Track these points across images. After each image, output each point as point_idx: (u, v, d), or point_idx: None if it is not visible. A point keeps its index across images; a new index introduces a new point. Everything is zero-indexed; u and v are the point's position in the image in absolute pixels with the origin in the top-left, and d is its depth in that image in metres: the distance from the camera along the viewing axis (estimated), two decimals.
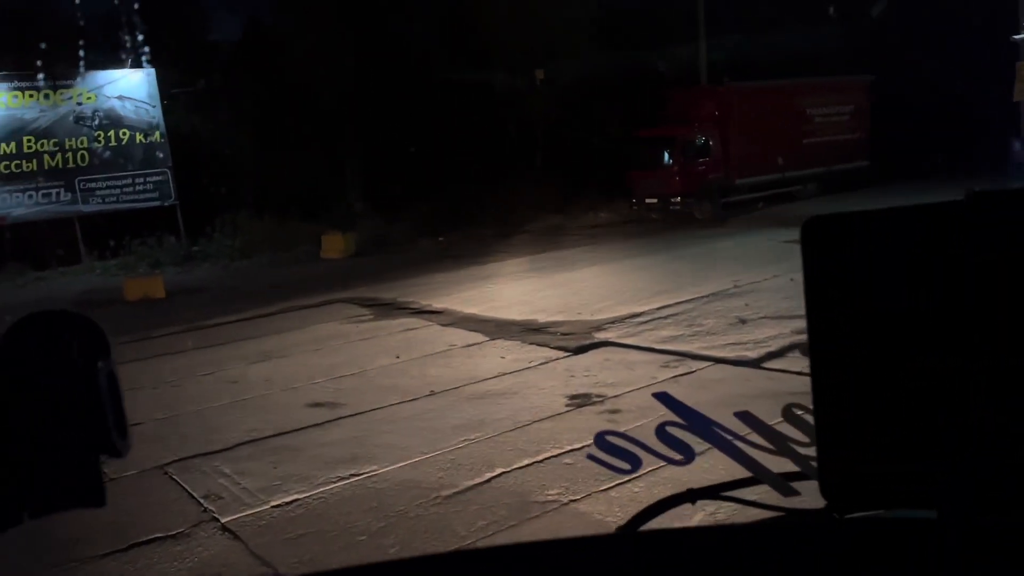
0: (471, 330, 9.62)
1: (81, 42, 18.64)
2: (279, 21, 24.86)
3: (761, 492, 0.99)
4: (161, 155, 19.86)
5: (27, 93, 18.29)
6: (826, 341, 0.82)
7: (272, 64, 22.03)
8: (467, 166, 22.38)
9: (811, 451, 0.84)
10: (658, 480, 3.97)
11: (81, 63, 18.77)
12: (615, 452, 1.03)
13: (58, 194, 18.71)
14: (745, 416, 0.97)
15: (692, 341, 7.93)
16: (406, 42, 22.69)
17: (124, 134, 19.40)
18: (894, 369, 0.79)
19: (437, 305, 11.48)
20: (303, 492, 4.97)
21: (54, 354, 0.76)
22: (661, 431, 0.99)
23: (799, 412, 0.93)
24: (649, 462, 0.97)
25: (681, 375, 6.83)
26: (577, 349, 8.09)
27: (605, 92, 23.69)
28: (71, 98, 18.78)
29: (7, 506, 0.74)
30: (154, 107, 19.67)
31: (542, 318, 9.89)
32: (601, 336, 8.58)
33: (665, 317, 9.19)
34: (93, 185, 19.09)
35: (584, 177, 22.01)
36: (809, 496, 0.87)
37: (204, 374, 8.69)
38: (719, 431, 0.98)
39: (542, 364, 7.65)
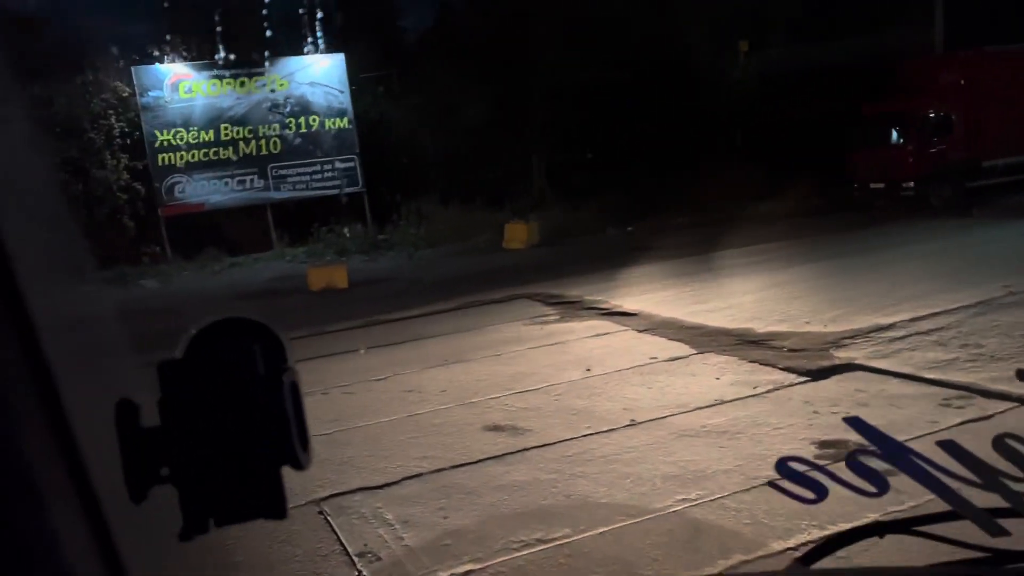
0: (673, 339, 8.31)
1: (267, 29, 19.05)
2: (471, 6, 24.43)
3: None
4: (350, 142, 19.97)
5: (224, 81, 18.95)
6: None
7: (462, 50, 21.60)
8: (659, 149, 20.86)
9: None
10: None
11: (267, 53, 19.24)
12: None
13: (251, 181, 19.29)
14: None
15: (974, 369, 6.16)
16: (596, 17, 21.46)
17: (314, 120, 19.69)
18: None
19: (630, 306, 10.24)
20: (477, 562, 3.95)
21: (239, 362, 0.79)
22: None
23: (1012, 443, 0.92)
24: None
25: (972, 420, 5.16)
26: (815, 373, 6.56)
27: (819, 65, 21.24)
28: (264, 85, 19.27)
29: (195, 514, 0.77)
30: (343, 93, 19.81)
31: (759, 327, 8.39)
32: (843, 355, 6.98)
33: (925, 332, 7.40)
34: (284, 172, 19.52)
35: (794, 159, 19.79)
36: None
37: (378, 379, 8.00)
38: None
39: (771, 391, 6.21)
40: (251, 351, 0.80)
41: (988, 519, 0.90)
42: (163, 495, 0.75)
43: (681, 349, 7.89)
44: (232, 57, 18.70)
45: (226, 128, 18.99)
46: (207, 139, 18.83)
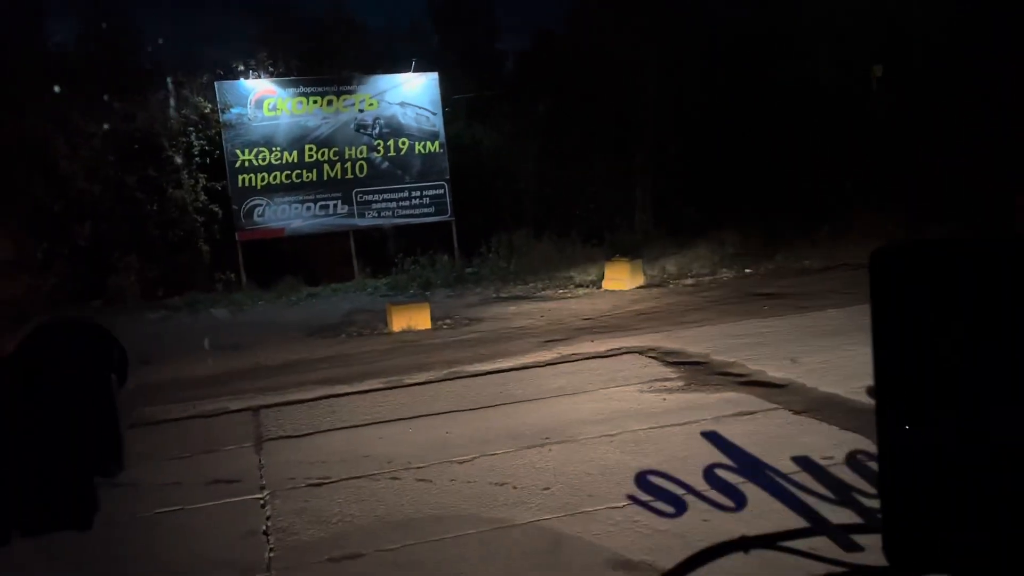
0: (846, 427, 6.41)
1: (358, 45, 18.07)
2: (574, 30, 23.03)
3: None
4: (440, 167, 18.74)
5: (311, 99, 18.03)
6: (896, 387, 0.71)
7: (562, 74, 20.20)
8: (780, 182, 18.83)
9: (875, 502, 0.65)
10: None
11: (355, 70, 18.22)
12: None
13: (335, 206, 18.26)
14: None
15: None
16: (712, 43, 19.71)
17: (403, 143, 18.57)
18: (976, 425, 0.65)
19: (774, 373, 8.36)
20: None
21: (56, 365, 1.10)
22: None
23: (864, 459, 0.99)
24: None
25: None
26: None
27: (968, 90, 18.87)
28: (353, 104, 18.28)
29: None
30: (435, 115, 18.63)
31: None
32: None
33: None
34: (370, 198, 18.43)
35: (940, 198, 17.46)
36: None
37: (461, 459, 6.40)
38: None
39: None
40: (80, 355, 0.93)
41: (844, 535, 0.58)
42: None
43: (860, 442, 5.99)
44: (320, 74, 17.79)
45: (310, 149, 18.05)
46: (290, 160, 17.91)
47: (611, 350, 10.20)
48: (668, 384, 8.33)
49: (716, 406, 7.36)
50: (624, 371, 9.05)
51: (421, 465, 6.34)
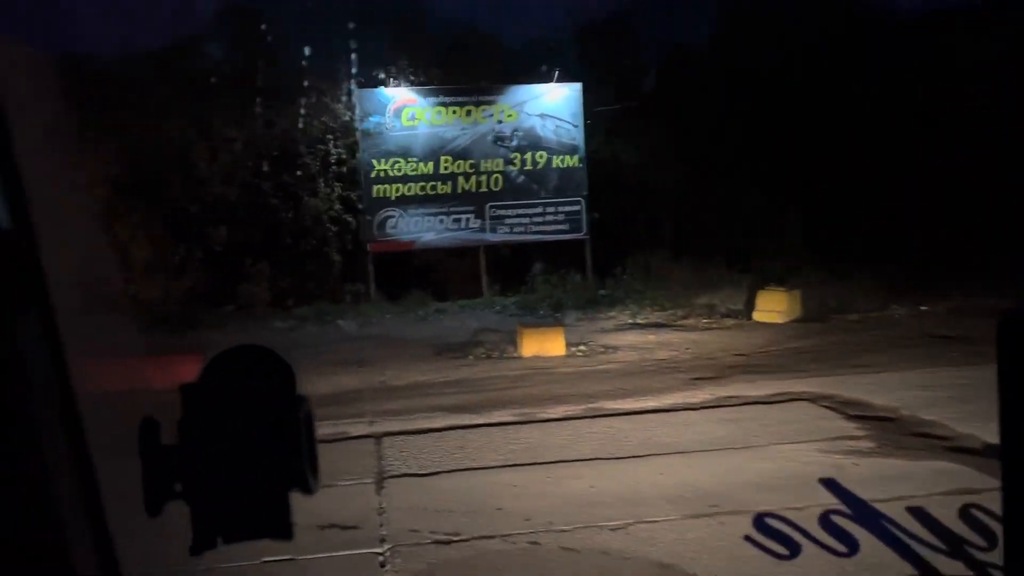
0: None
1: (499, 54, 17.47)
2: (723, 43, 21.70)
3: None
4: (577, 182, 17.85)
5: (450, 109, 17.54)
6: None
7: (708, 90, 18.94)
8: (959, 204, 16.84)
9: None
10: None
11: (489, 81, 17.63)
12: None
13: (467, 220, 17.67)
14: None
15: None
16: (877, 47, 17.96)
17: (541, 157, 17.80)
18: None
19: (991, 439, 6.88)
20: None
21: (257, 390, 0.90)
22: None
23: (978, 514, 1.06)
24: None
25: None
26: None
27: None
28: (491, 115, 17.68)
29: (205, 530, 0.86)
30: (576, 127, 17.78)
31: None
32: None
33: None
34: (503, 212, 17.74)
35: None
36: None
37: (612, 525, 5.39)
38: None
39: None
40: (269, 380, 0.88)
41: None
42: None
43: None
44: (457, 84, 17.32)
45: (446, 161, 17.57)
46: (425, 171, 17.47)
47: (776, 395, 8.92)
48: (855, 444, 7.02)
49: (925, 478, 6.02)
50: (797, 423, 7.78)
51: (565, 528, 5.37)
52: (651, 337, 13.29)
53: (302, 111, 17.29)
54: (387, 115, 17.32)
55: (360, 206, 17.63)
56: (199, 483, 0.85)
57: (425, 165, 17.49)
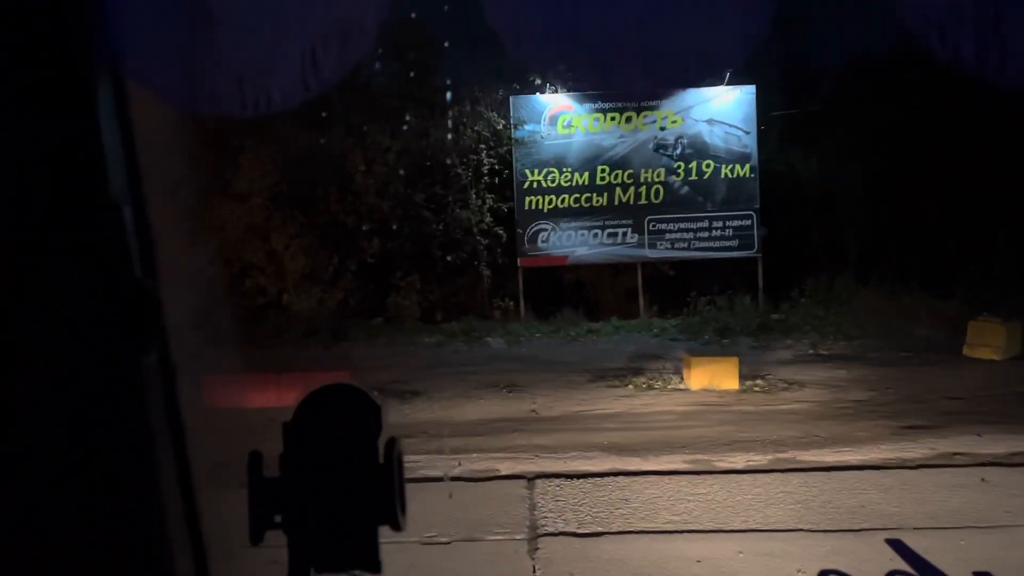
0: None
1: (663, 56, 16.23)
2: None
3: None
4: (748, 194, 16.32)
5: (609, 115, 16.51)
6: None
7: (901, 94, 16.89)
8: None
9: None
10: None
11: (653, 84, 16.41)
12: None
13: (624, 235, 16.54)
14: None
15: None
16: None
17: (707, 166, 16.42)
18: None
19: None
20: None
21: (354, 428, 0.97)
22: None
23: None
24: None
25: None
26: None
27: None
28: (654, 122, 16.50)
29: (300, 560, 0.93)
30: (748, 134, 16.29)
31: None
32: None
33: None
34: (664, 227, 16.49)
35: None
36: None
37: None
38: None
39: None
40: (362, 419, 0.96)
41: None
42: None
43: None
44: (621, 89, 16.24)
45: (603, 171, 16.54)
46: (580, 182, 16.52)
47: (1017, 454, 7.24)
48: None
49: None
50: None
51: None
52: (841, 373, 11.62)
53: (457, 120, 16.80)
54: (542, 123, 16.53)
55: (512, 218, 16.90)
56: (297, 515, 0.91)
57: (580, 175, 16.54)
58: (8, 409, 0.90)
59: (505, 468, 7.57)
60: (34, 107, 0.94)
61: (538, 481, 7.08)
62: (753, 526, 5.76)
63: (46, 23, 0.93)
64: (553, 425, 9.24)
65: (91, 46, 0.97)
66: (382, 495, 0.94)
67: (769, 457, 7.55)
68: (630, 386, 11.01)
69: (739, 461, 7.45)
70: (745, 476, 7.01)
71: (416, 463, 7.94)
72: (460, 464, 7.79)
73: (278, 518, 0.94)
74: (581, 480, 7.08)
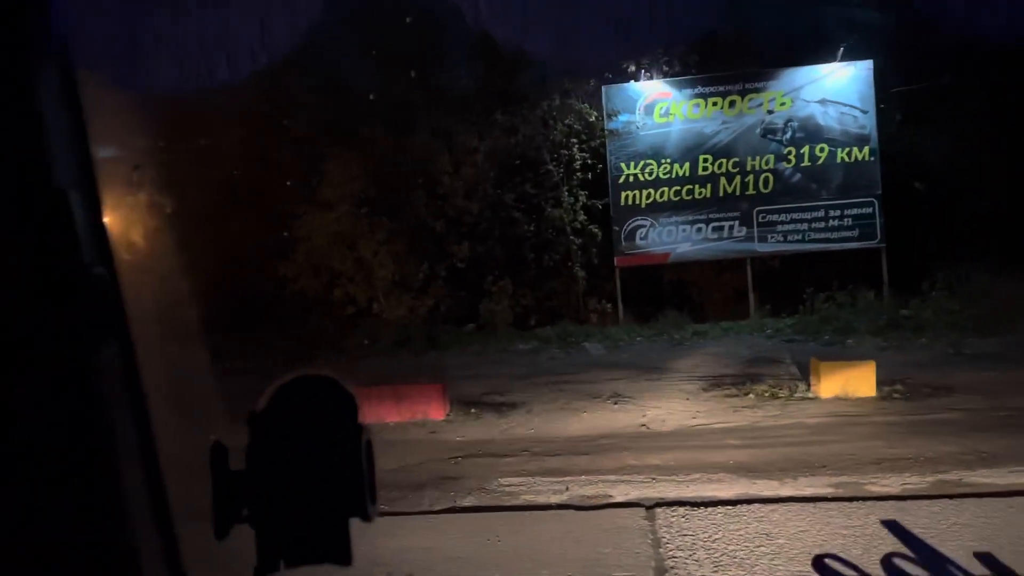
0: None
1: (767, 33, 15.04)
2: None
3: None
4: (868, 179, 14.99)
5: (710, 101, 15.46)
6: None
7: None
8: None
9: None
10: None
11: (756, 65, 15.23)
12: None
13: (731, 228, 15.44)
14: None
15: None
16: None
17: (821, 150, 15.16)
18: None
19: None
20: None
21: (321, 418, 0.94)
22: None
23: None
24: None
25: None
26: None
27: None
28: (760, 104, 15.35)
29: (269, 554, 0.92)
30: (866, 113, 14.97)
31: None
32: None
33: None
34: (774, 218, 15.32)
35: None
36: None
37: None
38: None
39: None
40: (332, 409, 0.93)
41: None
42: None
43: None
44: (724, 72, 15.17)
45: (705, 160, 15.49)
46: (680, 174, 15.50)
47: None
48: None
49: None
50: None
51: None
52: (991, 374, 10.30)
53: (546, 114, 16.06)
54: (637, 112, 15.60)
55: (608, 216, 16.02)
56: (264, 508, 0.90)
57: (680, 166, 15.53)
58: None
59: (619, 493, 6.76)
60: None
61: (659, 510, 6.24)
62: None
63: None
64: (668, 442, 8.36)
65: (34, 31, 0.96)
66: (351, 486, 0.91)
67: (929, 479, 6.49)
68: (751, 395, 10.00)
69: (893, 485, 6.43)
70: (906, 503, 5.99)
71: (518, 487, 7.23)
72: (568, 489, 7.02)
73: (246, 512, 0.92)
74: (709, 509, 6.20)
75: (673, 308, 15.56)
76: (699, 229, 15.49)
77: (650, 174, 15.53)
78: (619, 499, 6.62)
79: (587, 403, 10.22)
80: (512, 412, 10.14)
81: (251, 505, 0.92)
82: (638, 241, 15.68)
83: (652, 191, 15.54)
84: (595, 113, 16.16)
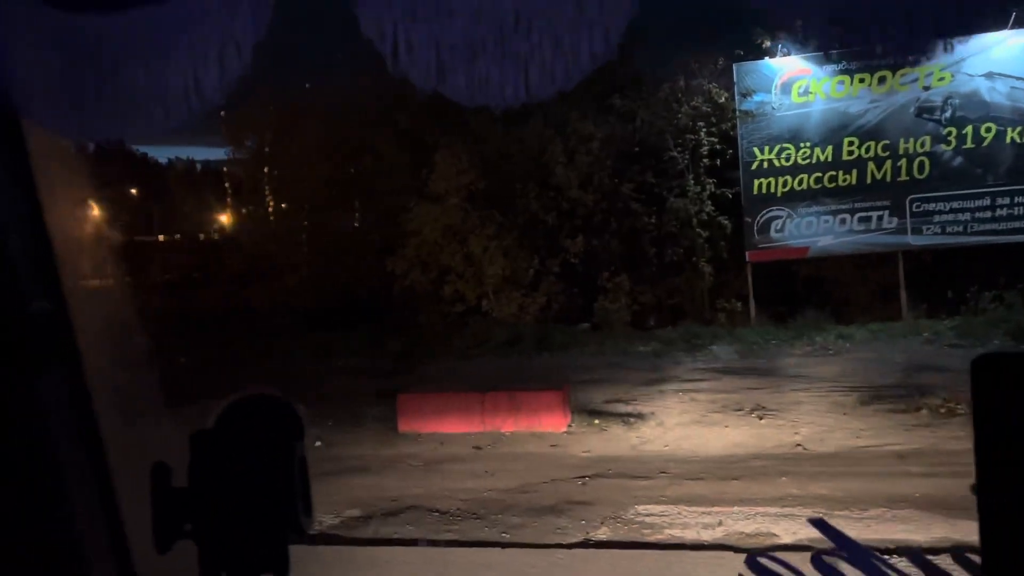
0: None
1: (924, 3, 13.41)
2: None
3: None
4: None
5: (856, 77, 14.00)
6: (998, 488, 0.82)
7: None
8: None
9: None
10: None
11: (909, 36, 13.59)
12: None
13: (880, 218, 13.98)
14: None
15: None
16: None
17: (987, 130, 13.51)
18: None
19: None
20: None
21: (257, 436, 0.98)
22: None
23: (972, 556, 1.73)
24: None
25: None
26: None
27: None
28: (915, 80, 13.83)
29: (210, 568, 0.95)
30: None
31: None
32: None
33: None
34: (931, 207, 13.77)
35: None
36: None
37: None
38: None
39: None
40: (268, 427, 0.97)
41: None
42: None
43: None
44: (873, 46, 13.67)
45: (850, 143, 14.04)
46: (822, 159, 14.11)
47: None
48: None
49: None
50: None
51: None
52: None
53: (670, 97, 14.94)
54: (773, 92, 14.30)
55: (738, 206, 14.77)
56: (205, 524, 0.93)
57: (822, 151, 14.13)
58: None
59: (784, 532, 5.73)
60: None
61: (838, 562, 5.18)
62: None
63: None
64: (832, 466, 7.24)
65: None
66: (286, 501, 0.95)
67: None
68: (922, 411, 8.69)
69: None
70: None
71: (660, 517, 6.29)
72: (721, 523, 6.04)
73: (188, 527, 0.95)
74: (903, 557, 5.10)
75: (812, 307, 14.17)
76: (843, 220, 14.04)
77: (787, 159, 14.18)
78: (786, 539, 5.60)
79: (727, 416, 9.16)
80: (641, 424, 9.19)
81: (193, 520, 0.95)
82: (773, 234, 14.37)
83: (789, 178, 14.19)
84: (725, 94, 14.92)
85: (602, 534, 6.09)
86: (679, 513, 6.32)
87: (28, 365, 0.98)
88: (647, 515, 6.33)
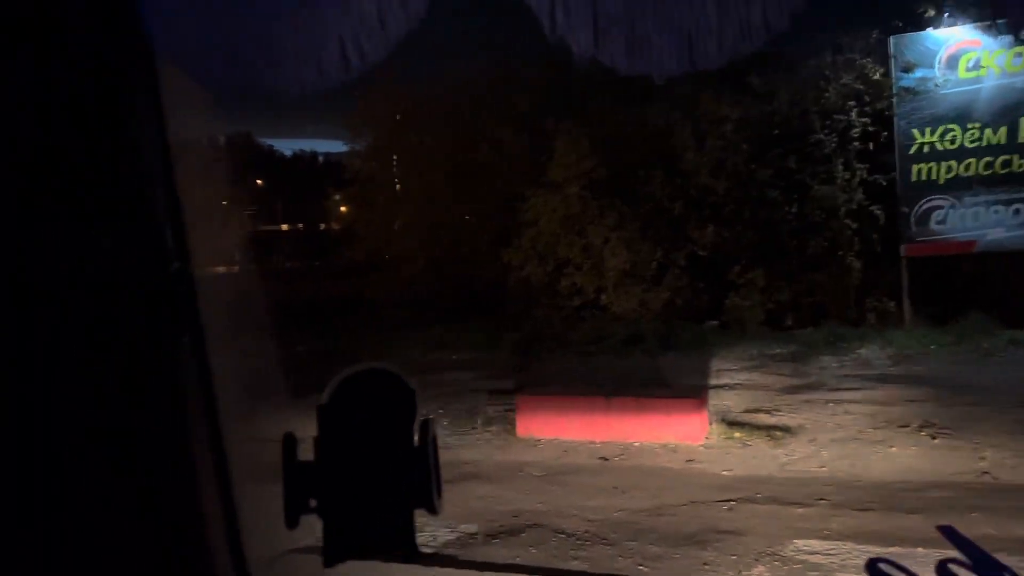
0: None
1: None
2: None
3: None
4: None
5: None
6: None
7: None
8: None
9: None
10: None
11: None
12: None
13: None
14: None
15: None
16: None
17: None
18: None
19: None
20: None
21: (389, 412, 0.96)
22: None
23: None
24: None
25: None
26: None
27: None
28: None
29: (336, 544, 0.95)
30: None
31: None
32: None
33: None
34: None
35: None
36: None
37: None
38: None
39: None
40: (398, 403, 0.95)
41: None
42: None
43: None
44: None
45: None
46: (994, 142, 12.55)
47: None
48: None
49: None
50: None
51: None
52: None
53: (816, 73, 13.65)
54: (936, 66, 12.81)
55: (893, 194, 13.37)
56: (332, 499, 0.92)
57: (994, 133, 12.56)
58: (34, 399, 0.90)
59: None
60: (65, 100, 0.95)
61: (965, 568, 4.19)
62: None
63: (79, 22, 0.94)
64: (1020, 500, 6.11)
65: (122, 34, 0.98)
66: (417, 478, 0.93)
67: None
68: None
69: None
70: None
71: (825, 556, 5.38)
72: (902, 570, 5.08)
73: (314, 502, 0.93)
74: None
75: (978, 309, 12.65)
76: (1017, 211, 12.43)
77: (952, 142, 12.68)
78: None
79: (891, 433, 8.06)
80: (789, 439, 8.21)
81: (319, 496, 0.93)
82: (933, 225, 12.90)
83: (954, 163, 12.68)
84: (880, 69, 13.50)
85: (757, 573, 5.25)
86: (847, 552, 5.40)
87: (169, 331, 0.94)
88: (810, 552, 5.45)
